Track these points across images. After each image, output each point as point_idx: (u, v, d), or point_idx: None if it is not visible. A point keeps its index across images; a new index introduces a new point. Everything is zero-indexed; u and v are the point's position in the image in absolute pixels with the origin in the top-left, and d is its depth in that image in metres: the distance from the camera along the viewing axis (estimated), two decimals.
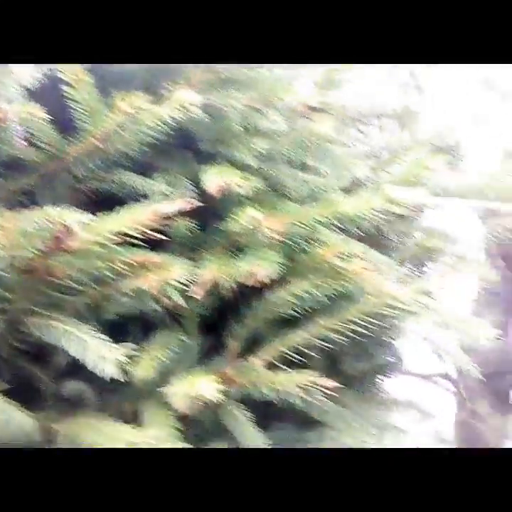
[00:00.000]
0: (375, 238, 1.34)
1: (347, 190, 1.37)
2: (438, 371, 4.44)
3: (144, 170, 1.29)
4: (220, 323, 1.29)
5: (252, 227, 1.07)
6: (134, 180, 1.23)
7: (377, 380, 1.72)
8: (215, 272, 1.08)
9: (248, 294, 1.27)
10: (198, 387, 1.00)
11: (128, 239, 1.02)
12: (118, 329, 1.23)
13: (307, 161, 1.38)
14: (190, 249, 1.23)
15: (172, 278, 1.04)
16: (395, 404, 1.90)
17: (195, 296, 1.07)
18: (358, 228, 1.15)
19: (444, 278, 1.35)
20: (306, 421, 1.35)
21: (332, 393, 1.08)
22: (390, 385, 1.89)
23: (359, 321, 1.16)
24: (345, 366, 1.55)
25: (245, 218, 1.07)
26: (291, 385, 1.10)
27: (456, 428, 4.64)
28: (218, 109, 1.28)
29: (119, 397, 1.24)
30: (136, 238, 1.02)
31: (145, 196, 1.22)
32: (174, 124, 1.12)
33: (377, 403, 1.75)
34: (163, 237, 1.05)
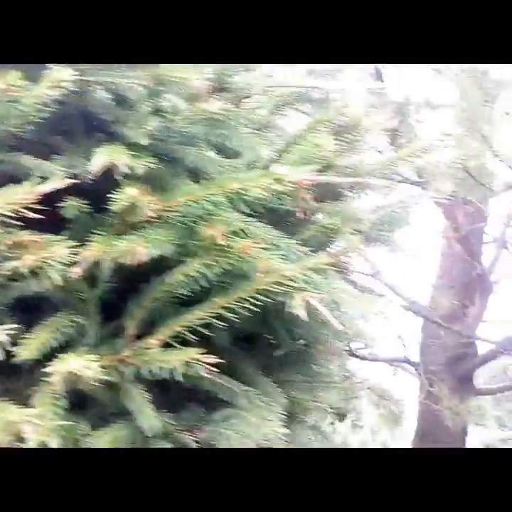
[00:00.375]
0: (279, 218, 1.34)
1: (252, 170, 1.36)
2: (397, 355, 4.47)
3: (50, 152, 1.28)
4: (122, 304, 1.28)
5: (130, 206, 1.06)
6: (29, 162, 1.22)
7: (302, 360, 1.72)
8: (96, 251, 1.07)
9: (151, 275, 1.27)
10: (73, 367, 0.99)
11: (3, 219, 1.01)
12: (23, 311, 1.23)
13: (212, 141, 1.37)
14: (87, 230, 1.22)
15: (52, 258, 1.03)
16: (334, 386, 1.91)
17: (73, 275, 1.06)
18: (248, 206, 1.15)
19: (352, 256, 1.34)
20: (215, 401, 1.36)
21: (213, 369, 1.09)
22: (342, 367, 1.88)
23: (252, 300, 1.16)
24: (263, 346, 1.56)
25: (125, 198, 1.06)
26: (177, 362, 1.10)
27: (416, 411, 4.68)
28: (118, 89, 1.28)
29: (21, 379, 1.24)
30: (11, 218, 1.01)
31: (41, 178, 1.21)
32: (48, 102, 1.11)
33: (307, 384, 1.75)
34: (40, 217, 1.03)
